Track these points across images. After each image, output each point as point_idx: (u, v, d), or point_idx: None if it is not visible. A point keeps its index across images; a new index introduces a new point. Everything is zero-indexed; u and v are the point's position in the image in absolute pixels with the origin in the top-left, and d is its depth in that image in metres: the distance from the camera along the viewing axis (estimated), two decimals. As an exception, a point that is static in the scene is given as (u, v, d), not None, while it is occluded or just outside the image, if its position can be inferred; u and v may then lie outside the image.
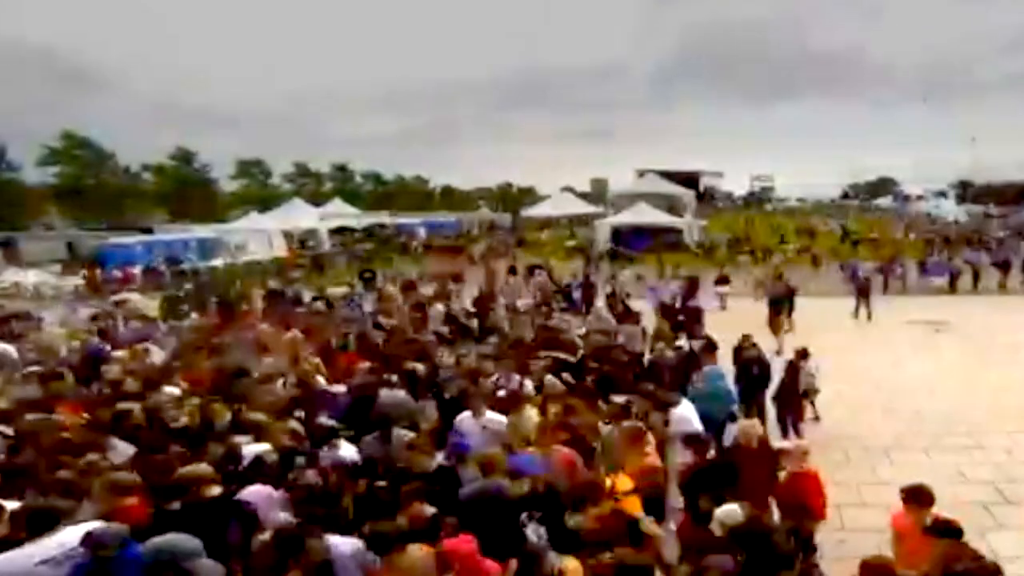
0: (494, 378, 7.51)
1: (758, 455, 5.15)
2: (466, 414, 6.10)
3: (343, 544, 3.71)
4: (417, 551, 3.48)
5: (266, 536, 3.78)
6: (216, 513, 4.09)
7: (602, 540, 3.70)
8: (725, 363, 8.70)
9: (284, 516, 4.20)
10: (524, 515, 4.19)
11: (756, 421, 5.86)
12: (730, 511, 4.02)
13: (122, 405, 6.31)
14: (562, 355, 8.26)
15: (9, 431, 5.75)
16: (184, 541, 3.50)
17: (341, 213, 44.56)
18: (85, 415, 6.19)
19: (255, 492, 4.37)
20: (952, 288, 21.62)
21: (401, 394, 6.82)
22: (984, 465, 7.78)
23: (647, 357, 9.59)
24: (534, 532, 4.14)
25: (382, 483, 4.55)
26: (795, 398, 8.64)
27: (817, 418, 9.29)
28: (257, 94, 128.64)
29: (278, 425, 5.69)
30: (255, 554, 3.76)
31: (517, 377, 7.44)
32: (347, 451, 5.28)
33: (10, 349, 9.72)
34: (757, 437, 5.35)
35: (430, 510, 4.07)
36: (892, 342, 14.51)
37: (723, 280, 20.23)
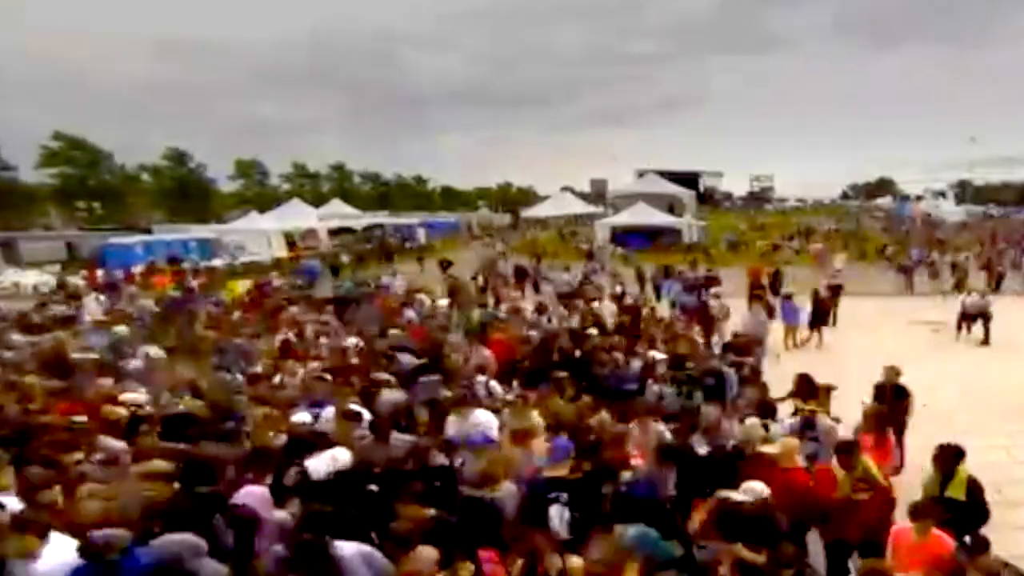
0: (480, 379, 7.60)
1: (759, 458, 5.13)
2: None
3: (349, 548, 3.69)
4: (426, 551, 3.47)
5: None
6: (209, 514, 4.09)
7: None
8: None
9: (279, 515, 4.19)
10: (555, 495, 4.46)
11: (759, 423, 5.82)
12: (756, 485, 4.29)
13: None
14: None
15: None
16: (186, 541, 3.50)
17: (340, 213, 44.55)
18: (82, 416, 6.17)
19: (249, 494, 4.35)
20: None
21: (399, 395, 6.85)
22: (984, 465, 7.76)
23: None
24: (558, 515, 4.40)
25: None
26: None
27: None
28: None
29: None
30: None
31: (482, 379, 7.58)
32: (340, 453, 5.28)
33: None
34: (758, 441, 5.33)
35: (429, 512, 4.07)
36: (892, 342, 14.51)
37: (712, 281, 18.52)
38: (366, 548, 3.74)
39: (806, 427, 6.23)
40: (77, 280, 23.71)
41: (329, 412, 6.27)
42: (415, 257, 32.95)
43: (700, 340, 11.84)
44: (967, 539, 3.91)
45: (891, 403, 7.38)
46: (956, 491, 4.86)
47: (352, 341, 10.21)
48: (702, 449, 5.63)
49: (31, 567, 3.49)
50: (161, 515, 3.94)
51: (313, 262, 28.60)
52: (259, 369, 8.52)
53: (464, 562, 3.58)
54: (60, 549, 3.55)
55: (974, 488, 4.86)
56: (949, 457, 4.92)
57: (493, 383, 7.63)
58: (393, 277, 20.52)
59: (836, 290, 17.07)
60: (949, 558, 3.98)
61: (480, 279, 21.16)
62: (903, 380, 7.93)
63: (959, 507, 4.78)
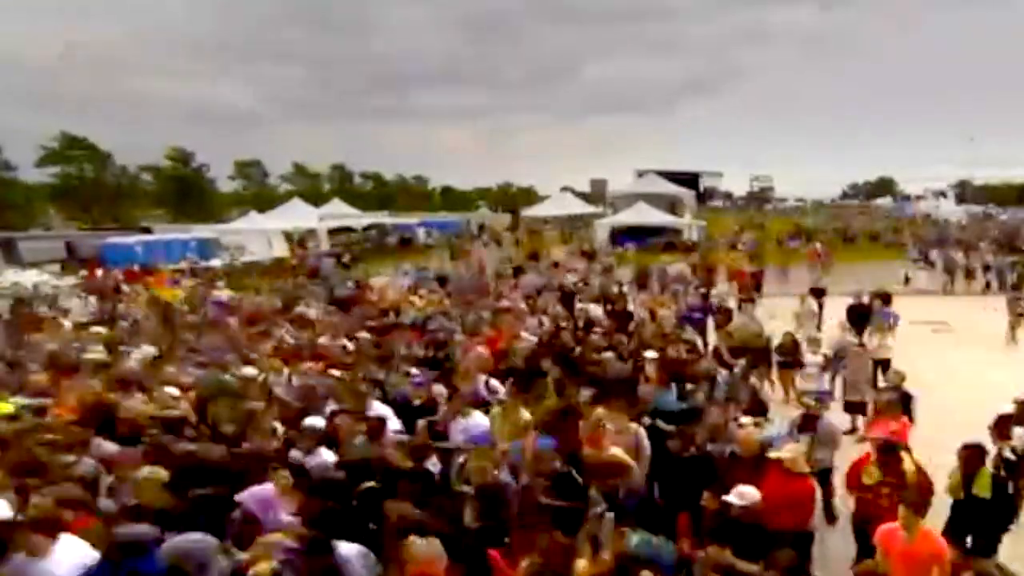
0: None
1: (755, 463, 5.12)
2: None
3: (350, 549, 3.68)
4: (422, 542, 3.46)
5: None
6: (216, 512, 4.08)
7: None
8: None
9: (286, 517, 4.19)
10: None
11: (756, 429, 5.80)
12: (748, 490, 4.30)
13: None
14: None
15: None
16: (200, 541, 3.49)
17: (340, 213, 44.48)
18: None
19: (256, 492, 4.35)
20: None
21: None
22: (984, 465, 7.74)
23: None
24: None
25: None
26: None
27: None
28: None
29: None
30: None
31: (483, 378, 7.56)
32: (327, 455, 5.28)
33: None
34: (756, 445, 5.31)
35: (415, 511, 4.07)
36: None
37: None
38: (364, 549, 3.73)
39: (806, 424, 6.22)
40: (77, 280, 23.76)
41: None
42: (415, 257, 32.91)
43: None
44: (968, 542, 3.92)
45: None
46: (982, 490, 4.93)
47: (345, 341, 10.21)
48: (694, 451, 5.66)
49: (44, 566, 3.49)
50: (171, 517, 3.95)
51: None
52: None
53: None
54: (72, 548, 3.55)
55: (999, 485, 4.92)
56: (974, 456, 5.02)
57: (494, 381, 7.63)
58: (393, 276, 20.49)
59: (819, 293, 16.52)
60: (942, 557, 3.97)
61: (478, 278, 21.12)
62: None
63: (986, 505, 4.87)
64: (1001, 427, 5.92)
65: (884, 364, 10.15)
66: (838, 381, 9.69)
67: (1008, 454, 5.47)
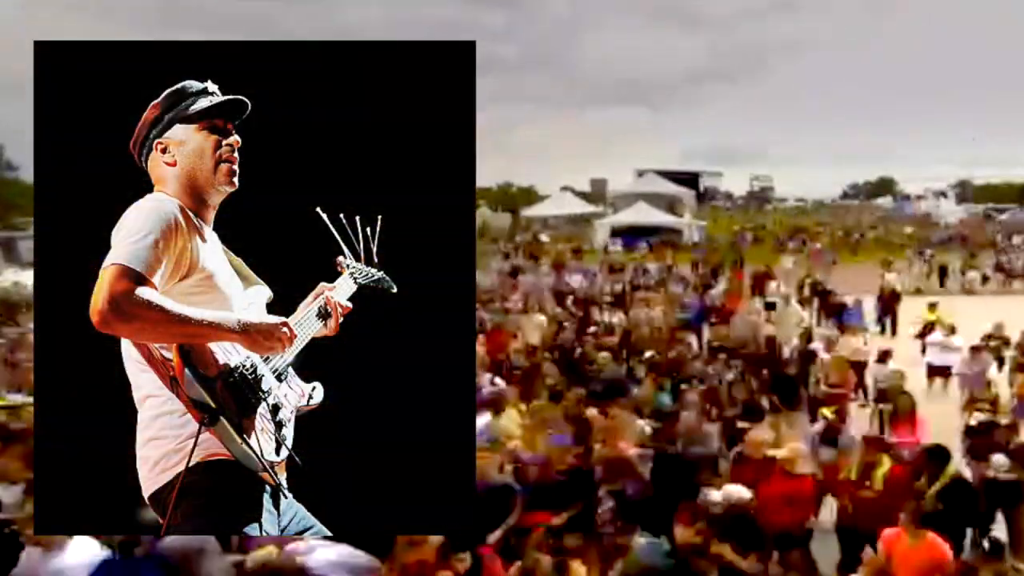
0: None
1: (764, 466, 5.12)
2: None
3: (328, 551, 3.54)
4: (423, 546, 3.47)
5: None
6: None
7: None
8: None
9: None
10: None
11: (764, 431, 5.81)
12: (736, 489, 4.25)
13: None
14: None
15: None
16: (195, 541, 3.49)
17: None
18: None
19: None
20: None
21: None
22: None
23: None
24: None
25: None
26: None
27: None
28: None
29: None
30: None
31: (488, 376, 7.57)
32: None
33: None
34: (764, 447, 5.32)
35: None
36: (886, 343, 14.48)
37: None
38: (344, 550, 3.60)
39: (827, 434, 6.20)
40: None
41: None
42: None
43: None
44: (984, 543, 3.94)
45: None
46: (929, 501, 4.91)
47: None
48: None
49: (56, 561, 3.52)
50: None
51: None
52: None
53: (461, 554, 3.58)
54: (84, 545, 3.58)
55: (956, 489, 4.95)
56: (937, 458, 5.08)
57: (498, 380, 7.66)
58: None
59: (822, 296, 16.34)
60: (945, 563, 3.98)
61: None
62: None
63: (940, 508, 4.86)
64: (979, 445, 5.68)
65: (859, 368, 10.08)
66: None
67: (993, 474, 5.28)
